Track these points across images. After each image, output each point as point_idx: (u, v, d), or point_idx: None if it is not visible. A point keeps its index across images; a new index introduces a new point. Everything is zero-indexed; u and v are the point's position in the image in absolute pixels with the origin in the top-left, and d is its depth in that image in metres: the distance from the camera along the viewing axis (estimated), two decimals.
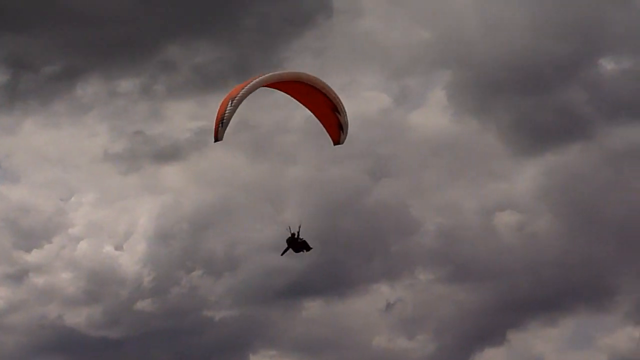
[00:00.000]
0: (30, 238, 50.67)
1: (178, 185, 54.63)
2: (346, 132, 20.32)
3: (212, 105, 57.46)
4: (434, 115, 57.45)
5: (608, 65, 50.75)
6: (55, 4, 51.98)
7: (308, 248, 21.25)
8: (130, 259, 51.10)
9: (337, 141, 20.29)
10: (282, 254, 21.19)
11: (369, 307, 52.62)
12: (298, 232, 20.98)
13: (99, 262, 50.67)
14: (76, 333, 47.01)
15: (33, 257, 48.94)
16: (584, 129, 48.63)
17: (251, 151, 53.30)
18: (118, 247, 50.71)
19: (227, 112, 17.43)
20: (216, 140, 17.40)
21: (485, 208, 50.39)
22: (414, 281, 52.03)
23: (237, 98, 17.72)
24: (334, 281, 52.46)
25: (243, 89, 18.06)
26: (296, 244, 21.00)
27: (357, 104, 56.15)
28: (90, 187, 55.76)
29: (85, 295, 48.37)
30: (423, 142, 55.28)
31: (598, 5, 50.26)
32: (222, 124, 17.36)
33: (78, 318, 47.14)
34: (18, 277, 48.39)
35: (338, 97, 19.57)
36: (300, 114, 53.46)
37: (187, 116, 58.57)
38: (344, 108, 19.77)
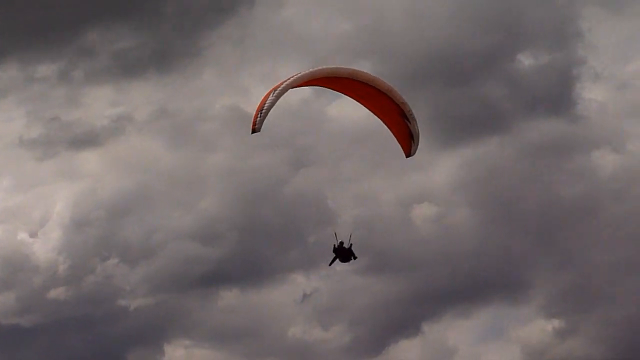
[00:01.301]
0: None
1: (95, 172, 53.94)
2: (417, 142, 19.39)
3: (132, 92, 55.58)
4: (353, 106, 59.11)
5: (526, 60, 51.28)
6: None
7: (355, 257, 20.76)
8: (45, 247, 50.14)
9: (408, 153, 19.49)
10: (330, 265, 20.84)
11: (285, 298, 52.88)
12: (349, 241, 20.42)
13: (12, 249, 49.44)
14: None
15: None
16: (501, 122, 50.54)
17: (170, 138, 53.24)
18: (33, 234, 49.33)
19: (267, 103, 16.98)
20: (253, 132, 17.02)
21: (403, 200, 51.04)
22: (330, 272, 53.07)
23: (279, 90, 17.30)
24: (250, 271, 52.59)
25: (287, 81, 17.58)
26: (344, 252, 20.53)
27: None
28: (5, 173, 54.91)
29: None
30: (342, 133, 55.70)
31: (518, 2, 51.70)
32: (261, 114, 16.95)
33: None
34: None
35: (406, 102, 18.74)
36: (221, 102, 53.35)
37: (106, 102, 57.73)
38: (413, 114, 18.91)
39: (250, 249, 49.54)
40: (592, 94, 51.71)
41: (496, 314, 57.56)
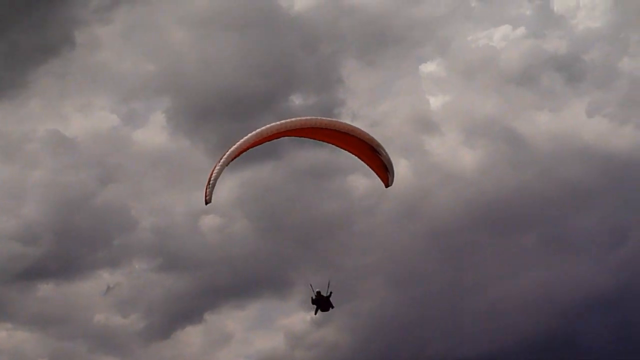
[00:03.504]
0: None
1: None
2: (392, 171, 18.73)
3: None
4: (154, 133, 66.08)
5: (297, 100, 56.48)
6: None
7: (332, 306, 20.12)
8: None
9: (387, 184, 18.93)
10: (315, 314, 20.29)
11: (92, 290, 59.19)
12: (327, 290, 19.84)
13: None
14: None
15: None
16: (275, 151, 54.65)
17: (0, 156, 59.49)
18: None
19: (214, 174, 16.94)
20: (206, 203, 17.00)
21: (193, 212, 56.43)
22: (131, 269, 59.37)
23: (223, 159, 17.11)
24: (64, 267, 58.58)
25: (231, 149, 17.28)
26: (323, 302, 19.99)
27: (91, 123, 63.94)
28: None
29: None
30: (144, 155, 62.50)
31: (292, 51, 57.84)
32: (209, 186, 17.01)
33: None
34: None
35: (371, 136, 18.16)
36: (44, 127, 58.07)
37: None
38: (381, 145, 18.26)
39: (64, 249, 55.60)
40: None
41: (265, 306, 64.00)
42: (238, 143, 17.02)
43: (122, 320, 61.45)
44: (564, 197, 58.55)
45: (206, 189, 16.74)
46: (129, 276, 60.25)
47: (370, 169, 19.18)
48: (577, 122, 65.81)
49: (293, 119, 17.45)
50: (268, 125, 17.17)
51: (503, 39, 72.44)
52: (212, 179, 16.69)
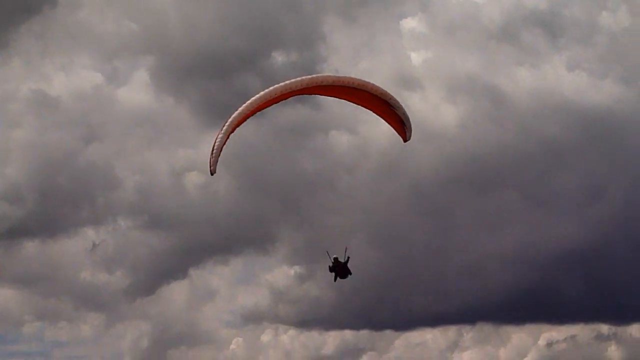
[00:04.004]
0: None
1: None
2: (410, 126, 18.78)
3: None
4: (138, 92, 66.14)
5: (279, 57, 55.97)
6: None
7: (350, 273, 19.90)
8: None
9: (405, 138, 18.98)
10: (335, 281, 19.91)
11: (77, 248, 60.40)
12: (345, 256, 19.52)
13: None
14: None
15: None
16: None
17: None
18: None
19: (217, 143, 16.27)
20: (212, 173, 16.43)
21: (176, 169, 57.46)
22: (116, 227, 59.97)
23: (225, 127, 16.38)
24: (49, 226, 59.57)
25: (234, 115, 16.46)
26: (341, 269, 19.69)
27: (74, 82, 63.92)
28: None
29: None
30: (128, 113, 62.71)
31: (274, 9, 57.50)
32: (212, 156, 16.33)
33: None
34: None
35: (385, 91, 17.91)
36: (27, 87, 57.30)
37: None
38: (396, 100, 18.16)
39: (49, 208, 55.89)
40: None
41: (249, 262, 65.37)
42: (242, 107, 16.48)
43: (107, 277, 62.24)
44: (543, 154, 59.40)
45: (210, 159, 16.27)
46: (114, 234, 60.97)
47: (387, 124, 18.85)
48: (557, 77, 66.19)
49: (303, 78, 17.04)
50: (276, 85, 16.60)
51: None
52: (214, 148, 16.23)
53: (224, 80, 57.91)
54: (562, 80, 66.76)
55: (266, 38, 56.95)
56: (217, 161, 16.13)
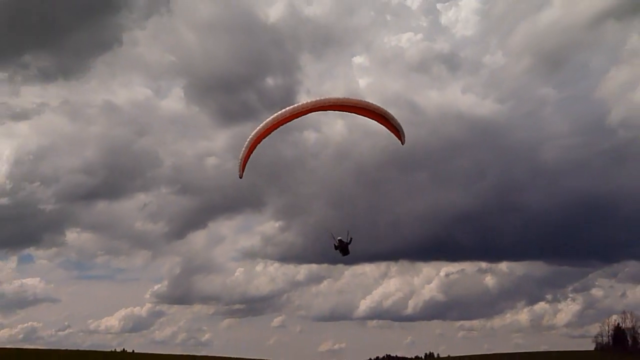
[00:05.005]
0: None
1: None
2: (402, 132, 19.70)
3: None
4: (174, 102, 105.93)
5: (270, 81, 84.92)
6: None
7: (348, 252, 21.32)
8: None
9: (402, 142, 20.00)
10: (343, 256, 21.51)
11: (133, 206, 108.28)
12: (347, 237, 21.06)
13: None
14: None
15: None
16: (254, 115, 78.90)
17: None
18: None
19: (241, 154, 17.93)
20: (240, 177, 18.36)
21: (199, 154, 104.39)
22: (158, 192, 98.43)
23: (247, 141, 17.89)
24: (113, 191, 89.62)
25: (257, 128, 18.01)
26: (344, 248, 21.18)
27: (132, 95, 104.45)
28: None
29: None
30: (167, 117, 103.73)
31: (266, 47, 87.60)
32: (240, 165, 18.15)
33: None
34: None
35: (379, 106, 19.02)
36: (100, 98, 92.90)
37: None
38: (389, 114, 19.34)
39: (114, 179, 79.03)
40: None
41: (247, 217, 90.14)
42: (269, 119, 17.39)
43: (152, 226, 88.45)
44: (445, 147, 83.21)
45: (239, 166, 17.18)
46: (157, 197, 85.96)
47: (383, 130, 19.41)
48: (454, 97, 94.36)
49: (323, 98, 17.69)
50: (301, 103, 17.50)
51: (408, 41, 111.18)
52: (241, 158, 17.16)
53: (232, 95, 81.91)
54: (458, 99, 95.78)
55: (261, 67, 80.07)
56: (243, 169, 17.03)
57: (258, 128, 17.63)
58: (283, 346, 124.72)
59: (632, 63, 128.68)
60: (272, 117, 17.80)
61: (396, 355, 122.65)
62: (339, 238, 20.78)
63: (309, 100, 18.23)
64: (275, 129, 18.13)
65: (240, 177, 17.86)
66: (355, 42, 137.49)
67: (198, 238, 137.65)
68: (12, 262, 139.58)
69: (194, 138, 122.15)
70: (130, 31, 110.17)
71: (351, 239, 20.55)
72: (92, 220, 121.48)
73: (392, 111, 19.89)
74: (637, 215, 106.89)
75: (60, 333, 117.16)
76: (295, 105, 18.01)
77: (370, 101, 18.31)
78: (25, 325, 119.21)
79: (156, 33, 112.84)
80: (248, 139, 17.84)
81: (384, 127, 19.81)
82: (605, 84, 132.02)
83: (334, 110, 18.90)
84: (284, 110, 17.83)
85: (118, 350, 75.49)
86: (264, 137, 18.00)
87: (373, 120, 19.21)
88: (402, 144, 19.73)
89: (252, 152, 18.00)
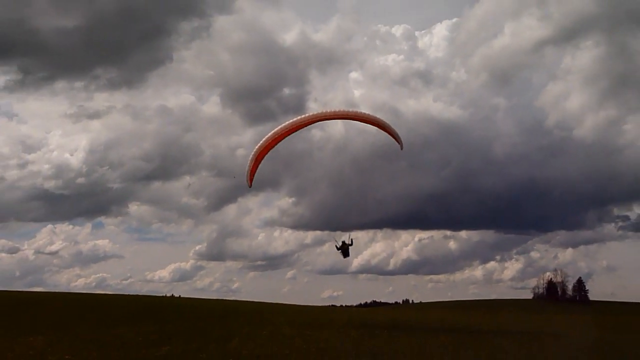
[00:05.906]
0: None
1: None
2: (400, 139, 20.31)
3: None
4: (212, 107, 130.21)
5: (286, 91, 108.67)
6: None
7: (349, 254, 21.93)
8: None
9: (401, 147, 20.62)
10: (344, 257, 21.95)
11: (180, 185, 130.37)
12: (349, 238, 21.65)
13: None
14: None
15: None
16: (273, 116, 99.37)
17: None
18: None
19: (247, 167, 18.06)
20: (250, 186, 18.62)
21: (231, 146, 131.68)
22: (200, 176, 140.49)
23: (252, 154, 18.01)
24: (166, 174, 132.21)
25: (261, 142, 18.09)
26: (345, 250, 21.73)
27: (180, 101, 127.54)
28: None
29: None
30: (207, 118, 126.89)
31: (283, 65, 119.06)
32: (247, 176, 18.22)
33: None
34: None
35: (377, 118, 19.56)
36: (155, 103, 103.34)
37: None
38: (386, 123, 19.84)
39: (166, 164, 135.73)
40: None
41: (268, 195, 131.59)
42: (280, 127, 17.60)
43: (195, 201, 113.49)
44: (420, 143, 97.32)
45: (246, 176, 17.69)
46: (199, 179, 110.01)
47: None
48: (427, 105, 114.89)
49: (327, 111, 18.10)
50: (305, 115, 17.77)
51: (392, 60, 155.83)
52: (247, 172, 17.64)
53: (257, 101, 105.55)
54: (430, 106, 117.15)
55: (279, 80, 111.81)
56: (251, 179, 17.73)
57: (262, 142, 18.88)
58: (294, 293, 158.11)
59: (566, 79, 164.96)
60: (279, 127, 18.88)
61: (380, 301, 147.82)
62: (343, 240, 21.80)
63: (324, 110, 19.09)
64: (281, 140, 19.20)
65: (250, 187, 18.63)
66: (352, 62, 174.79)
67: (230, 210, 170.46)
68: (87, 227, 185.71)
69: (227, 134, 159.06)
70: (179, 51, 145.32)
71: (352, 240, 21.70)
72: (149, 196, 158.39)
73: (380, 116, 21.07)
74: (566, 196, 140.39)
75: (124, 282, 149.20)
76: (304, 115, 19.00)
77: (364, 110, 19.44)
78: (97, 275, 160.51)
79: (199, 53, 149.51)
80: (253, 152, 18.92)
81: (382, 131, 20.59)
82: (544, 95, 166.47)
83: (342, 119, 19.97)
84: (291, 121, 18.94)
85: (168, 295, 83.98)
86: (270, 150, 19.07)
87: (370, 125, 20.27)
88: (401, 149, 20.81)
89: (259, 165, 19.09)
